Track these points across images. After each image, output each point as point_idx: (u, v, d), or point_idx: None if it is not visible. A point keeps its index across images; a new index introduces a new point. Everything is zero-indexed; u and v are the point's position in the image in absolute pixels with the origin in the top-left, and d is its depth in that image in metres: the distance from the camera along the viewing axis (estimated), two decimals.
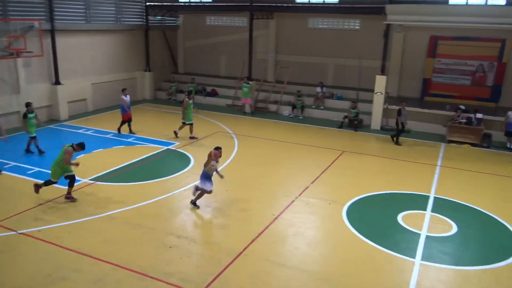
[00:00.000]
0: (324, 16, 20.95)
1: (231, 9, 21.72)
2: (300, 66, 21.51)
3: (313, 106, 19.67)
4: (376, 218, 9.49)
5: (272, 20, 21.80)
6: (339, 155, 13.75)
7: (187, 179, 11.27)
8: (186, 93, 16.10)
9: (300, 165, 12.75)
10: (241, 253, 7.77)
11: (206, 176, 9.41)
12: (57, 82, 17.37)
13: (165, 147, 13.90)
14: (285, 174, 12.06)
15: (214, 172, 9.52)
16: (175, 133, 15.12)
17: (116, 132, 15.45)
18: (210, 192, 9.48)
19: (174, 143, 14.42)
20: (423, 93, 19.25)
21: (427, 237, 8.64)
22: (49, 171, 9.70)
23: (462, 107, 16.54)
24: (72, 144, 9.51)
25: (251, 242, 8.16)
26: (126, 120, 15.35)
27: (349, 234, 8.66)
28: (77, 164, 9.57)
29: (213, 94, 22.10)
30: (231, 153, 13.58)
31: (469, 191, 11.13)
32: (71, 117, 17.78)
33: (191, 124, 15.09)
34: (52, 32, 16.84)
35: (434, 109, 16.95)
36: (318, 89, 19.89)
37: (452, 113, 16.36)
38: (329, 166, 12.70)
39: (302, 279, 7.14)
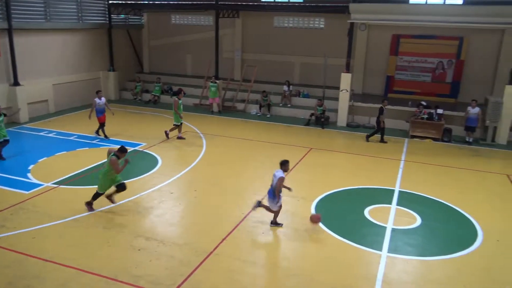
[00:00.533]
0: (289, 15, 21.14)
1: (197, 7, 21.57)
2: (267, 64, 21.64)
3: (280, 104, 19.81)
4: (344, 213, 9.67)
5: (238, 19, 21.80)
6: (307, 152, 13.91)
7: (155, 180, 11.12)
8: (171, 93, 15.88)
9: (269, 163, 12.80)
10: (211, 253, 7.74)
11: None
12: (16, 83, 16.72)
13: (132, 148, 13.65)
14: (254, 173, 12.10)
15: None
16: (166, 133, 14.98)
17: (101, 136, 14.91)
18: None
19: (141, 144, 14.19)
20: (386, 90, 19.75)
21: (393, 230, 8.88)
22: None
23: (424, 103, 17.07)
24: (114, 152, 9.01)
25: (221, 242, 8.14)
26: (103, 122, 14.91)
27: (318, 230, 8.78)
28: (127, 162, 9.18)
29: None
30: (199, 153, 13.50)
31: (431, 184, 11.52)
32: (32, 120, 17.17)
33: (179, 125, 14.97)
34: (9, 31, 16.20)
35: (397, 106, 17.42)
36: (285, 87, 20.04)
37: (414, 109, 16.87)
38: (297, 163, 12.83)
39: (273, 276, 7.19)
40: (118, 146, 9.24)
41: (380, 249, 8.09)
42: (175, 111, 14.74)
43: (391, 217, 9.44)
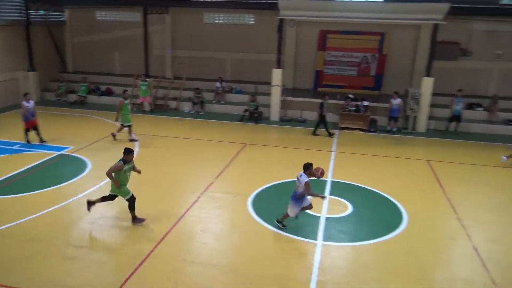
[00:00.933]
0: (219, 11, 21.08)
1: (122, 3, 20.81)
2: (199, 61, 21.43)
3: (214, 101, 19.75)
4: (280, 206, 9.81)
5: (167, 15, 21.35)
6: (242, 148, 14.02)
7: (85, 184, 10.61)
8: (99, 92, 15.17)
9: (204, 160, 12.75)
10: (148, 255, 7.55)
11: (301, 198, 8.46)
12: None
13: (58, 152, 12.91)
14: (190, 171, 11.97)
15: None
16: (113, 135, 14.36)
17: (33, 143, 13.80)
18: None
19: (68, 147, 13.45)
20: (316, 84, 20.41)
21: (327, 219, 9.23)
22: None
23: (351, 96, 17.87)
24: (122, 158, 8.33)
25: (158, 243, 7.97)
26: (31, 127, 13.78)
27: (255, 224, 8.90)
28: (139, 172, 8.79)
29: (108, 93, 21.02)
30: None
31: (361, 173, 12.12)
32: None
33: (129, 126, 14.35)
34: None
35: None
36: (218, 84, 20.01)
37: (342, 102, 17.61)
38: (233, 159, 12.89)
39: (212, 273, 7.18)
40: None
41: (316, 238, 8.38)
42: (118, 112, 14.21)
43: (325, 207, 9.80)
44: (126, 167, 8.39)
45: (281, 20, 17.51)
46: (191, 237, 8.35)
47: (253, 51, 20.86)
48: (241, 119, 17.80)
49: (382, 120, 17.25)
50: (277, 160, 13.24)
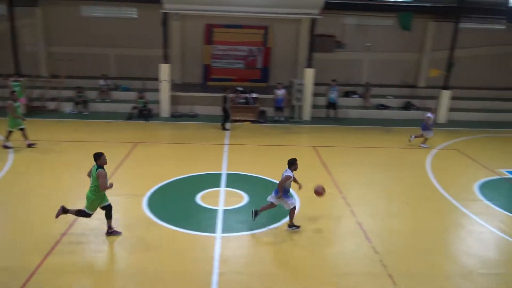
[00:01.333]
0: (97, 4, 19.84)
1: None
2: (79, 57, 19.98)
3: (98, 100, 18.62)
4: (177, 203, 9.74)
5: (37, 7, 19.46)
6: (133, 147, 13.48)
7: None
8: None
9: (92, 163, 11.96)
10: (33, 272, 6.88)
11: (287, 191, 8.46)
12: None
13: None
14: (75, 177, 11.13)
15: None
16: (6, 146, 12.62)
17: None
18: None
19: None
20: (205, 78, 20.45)
21: (224, 211, 9.35)
22: None
23: (240, 88, 18.28)
24: (96, 164, 7.74)
25: (45, 257, 7.30)
26: None
27: (152, 224, 8.65)
28: (111, 186, 7.83)
29: None
30: (5, 163, 11.74)
31: (254, 163, 12.49)
32: None
33: (22, 129, 12.83)
34: None
35: (216, 93, 18.22)
36: (102, 82, 18.92)
37: (232, 95, 17.89)
38: (124, 159, 12.33)
39: (110, 280, 6.82)
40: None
41: (215, 231, 8.44)
42: (13, 115, 12.64)
43: (221, 199, 9.92)
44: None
45: (165, 14, 17.12)
46: (83, 246, 7.81)
47: (139, 46, 20.10)
48: (130, 117, 17.08)
49: (271, 111, 17.95)
50: (171, 157, 13.01)
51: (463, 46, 19.24)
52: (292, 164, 8.52)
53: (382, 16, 19.90)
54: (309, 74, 17.87)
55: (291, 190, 8.81)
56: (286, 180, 8.34)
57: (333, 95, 17.85)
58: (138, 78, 19.63)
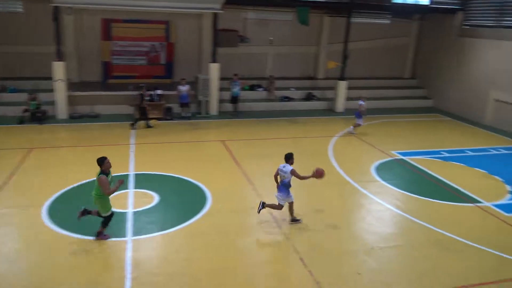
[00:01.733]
0: None
1: None
2: None
3: None
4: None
5: None
6: (27, 154, 12.34)
7: None
8: None
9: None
10: None
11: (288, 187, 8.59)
12: None
13: None
14: None
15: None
16: None
17: None
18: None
19: None
20: (105, 76, 19.41)
21: (134, 213, 9.02)
22: None
23: (144, 85, 17.64)
24: (101, 170, 7.56)
25: None
26: None
27: (56, 236, 8.05)
28: (122, 182, 7.59)
29: None
30: None
31: (163, 161, 12.21)
32: None
33: None
34: None
35: (118, 91, 17.40)
36: None
37: (136, 93, 17.23)
38: (17, 168, 11.23)
39: None
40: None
41: (125, 235, 8.11)
42: None
43: (131, 201, 9.55)
44: (109, 178, 7.64)
45: (56, 8, 15.86)
46: None
47: (27, 42, 18.37)
48: (21, 121, 15.55)
49: (177, 108, 17.62)
50: (72, 162, 12.12)
51: (356, 39, 20.67)
52: (290, 158, 8.67)
53: (282, 11, 20.55)
54: (214, 69, 17.87)
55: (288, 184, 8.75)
56: (297, 174, 8.44)
57: (235, 89, 18.05)
58: (28, 78, 17.98)
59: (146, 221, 8.71)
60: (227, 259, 7.58)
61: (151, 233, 8.27)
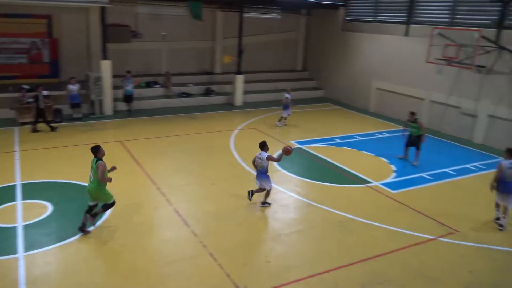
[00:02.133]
0: None
1: None
2: None
3: None
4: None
5: None
6: None
7: None
8: None
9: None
10: None
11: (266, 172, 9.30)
12: None
13: None
14: None
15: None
16: None
17: None
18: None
19: None
20: None
21: (25, 226, 8.22)
22: None
23: (26, 86, 16.12)
24: (96, 157, 7.76)
25: None
26: None
27: None
28: (110, 180, 7.76)
29: None
30: None
31: (55, 167, 11.29)
32: None
33: None
34: None
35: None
36: None
37: (18, 94, 15.67)
38: None
39: None
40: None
41: (15, 252, 7.35)
42: None
43: (19, 214, 8.68)
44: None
45: None
46: None
47: None
48: None
49: (67, 109, 16.38)
50: None
51: (250, 34, 21.13)
52: (265, 145, 9.38)
53: (174, 6, 20.17)
54: (106, 66, 16.92)
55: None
56: (273, 157, 9.33)
57: (129, 87, 17.24)
58: None
59: (39, 234, 7.98)
60: (137, 261, 7.28)
61: (47, 246, 7.61)
